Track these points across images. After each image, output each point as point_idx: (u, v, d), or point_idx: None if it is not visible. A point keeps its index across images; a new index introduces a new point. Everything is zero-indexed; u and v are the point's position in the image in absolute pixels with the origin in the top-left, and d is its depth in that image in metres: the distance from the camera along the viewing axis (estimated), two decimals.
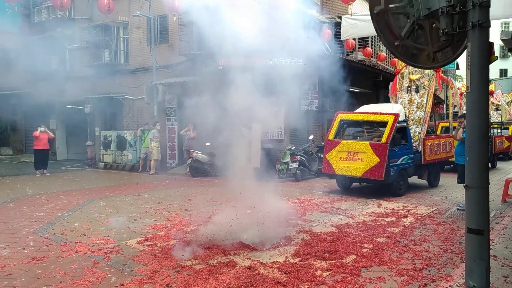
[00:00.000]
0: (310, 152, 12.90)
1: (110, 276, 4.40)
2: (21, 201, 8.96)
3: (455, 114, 17.96)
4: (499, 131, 17.71)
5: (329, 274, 4.40)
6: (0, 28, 16.29)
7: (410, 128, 10.31)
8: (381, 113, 9.68)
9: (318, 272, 4.43)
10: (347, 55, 16.29)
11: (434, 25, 2.86)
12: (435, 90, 11.62)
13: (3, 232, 6.29)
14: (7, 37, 20.06)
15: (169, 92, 15.17)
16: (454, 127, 13.11)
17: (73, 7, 17.66)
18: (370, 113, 9.93)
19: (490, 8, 2.55)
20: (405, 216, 7.29)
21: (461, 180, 7.86)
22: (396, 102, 11.32)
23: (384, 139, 9.07)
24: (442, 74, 12.78)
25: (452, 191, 10.13)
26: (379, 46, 17.37)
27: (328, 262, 4.77)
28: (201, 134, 13.47)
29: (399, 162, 9.40)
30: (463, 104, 18.28)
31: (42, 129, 13.96)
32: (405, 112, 10.60)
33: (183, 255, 4.97)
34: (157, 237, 5.92)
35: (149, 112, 15.78)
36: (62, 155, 20.59)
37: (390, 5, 3.06)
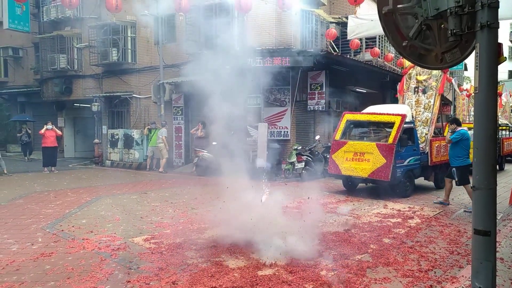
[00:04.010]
0: (316, 152, 12.88)
1: (117, 272, 4.45)
2: (30, 198, 9.06)
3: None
4: (508, 133, 17.55)
5: (334, 274, 4.41)
6: (11, 27, 16.53)
7: (417, 129, 10.26)
8: (388, 114, 9.65)
9: (323, 272, 4.44)
10: (354, 55, 16.22)
11: (442, 26, 2.85)
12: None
13: (12, 228, 6.38)
14: (16, 35, 20.33)
15: (176, 91, 15.24)
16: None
17: (82, 6, 17.78)
18: (377, 113, 9.91)
19: (499, 9, 2.55)
20: (411, 218, 7.27)
21: (459, 182, 7.81)
22: (403, 103, 11.26)
23: (390, 140, 9.04)
24: (448, 75, 12.71)
25: (459, 193, 10.06)
26: (387, 47, 17.27)
27: (333, 262, 4.77)
28: (210, 133, 13.51)
29: (405, 163, 9.37)
30: (471, 105, 18.15)
31: (49, 126, 14.09)
32: (412, 113, 10.55)
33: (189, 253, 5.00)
34: (163, 235, 5.96)
35: (156, 111, 15.86)
36: (69, 153, 20.78)
37: (398, 6, 3.06)
